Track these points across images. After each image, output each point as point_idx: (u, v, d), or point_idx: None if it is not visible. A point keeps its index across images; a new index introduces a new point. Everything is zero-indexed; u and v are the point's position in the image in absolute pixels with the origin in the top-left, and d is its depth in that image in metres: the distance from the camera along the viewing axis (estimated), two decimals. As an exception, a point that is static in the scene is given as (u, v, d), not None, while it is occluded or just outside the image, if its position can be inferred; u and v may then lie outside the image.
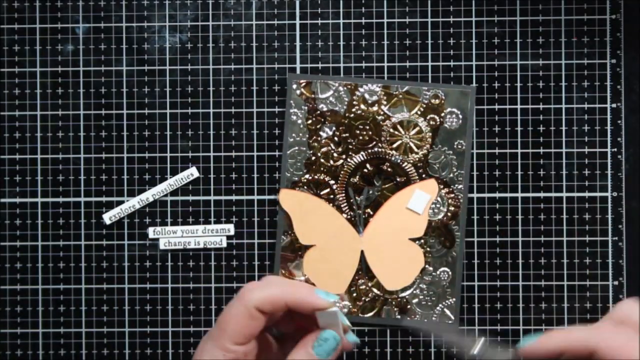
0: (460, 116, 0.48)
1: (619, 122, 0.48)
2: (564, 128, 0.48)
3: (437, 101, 0.48)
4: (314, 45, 0.48)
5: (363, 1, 0.48)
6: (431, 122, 0.48)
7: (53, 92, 0.49)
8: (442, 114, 0.48)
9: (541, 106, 0.48)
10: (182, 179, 0.48)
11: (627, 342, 0.33)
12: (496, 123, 0.48)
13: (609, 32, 0.48)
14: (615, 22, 0.48)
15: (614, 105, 0.48)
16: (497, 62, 0.48)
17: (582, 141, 0.48)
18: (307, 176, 0.48)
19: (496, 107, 0.48)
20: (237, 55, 0.49)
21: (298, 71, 0.48)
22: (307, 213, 0.48)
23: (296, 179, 0.48)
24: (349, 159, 0.48)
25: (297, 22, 0.48)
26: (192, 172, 0.48)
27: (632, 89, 0.48)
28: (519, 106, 0.48)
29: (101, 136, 0.49)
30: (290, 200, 0.48)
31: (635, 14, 0.48)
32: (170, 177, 0.48)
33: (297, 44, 0.48)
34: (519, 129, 0.48)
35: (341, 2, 0.48)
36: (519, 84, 0.48)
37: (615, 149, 0.48)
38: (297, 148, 0.48)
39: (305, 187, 0.48)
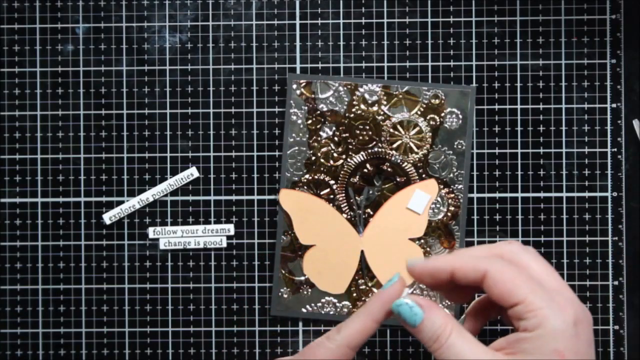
0: (460, 116, 0.48)
1: (619, 122, 0.48)
2: (564, 128, 0.48)
3: (437, 101, 0.48)
4: (314, 45, 0.48)
5: (363, 1, 0.48)
6: (431, 122, 0.48)
7: (53, 92, 0.49)
8: (442, 114, 0.48)
9: (541, 106, 0.48)
10: (182, 179, 0.48)
11: (516, 276, 0.34)
12: (496, 123, 0.48)
13: (609, 32, 0.48)
14: (615, 22, 0.48)
15: (614, 105, 0.48)
16: (497, 62, 0.48)
17: (582, 141, 0.48)
18: (307, 176, 0.48)
19: (496, 107, 0.48)
20: (237, 55, 0.49)
21: (298, 71, 0.48)
22: (307, 213, 0.48)
23: (296, 179, 0.48)
24: (349, 159, 0.48)
25: (297, 22, 0.48)
26: (192, 172, 0.48)
27: (632, 89, 0.48)
28: (519, 106, 0.48)
29: (101, 136, 0.49)
30: (290, 200, 0.48)
31: (635, 14, 0.48)
32: (170, 177, 0.48)
33: (297, 44, 0.48)
34: (519, 129, 0.48)
35: (341, 2, 0.48)
36: (519, 84, 0.48)
37: (615, 149, 0.48)
38: (297, 148, 0.48)
39: (305, 187, 0.48)
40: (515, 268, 0.35)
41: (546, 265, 0.36)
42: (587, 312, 0.35)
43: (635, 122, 0.48)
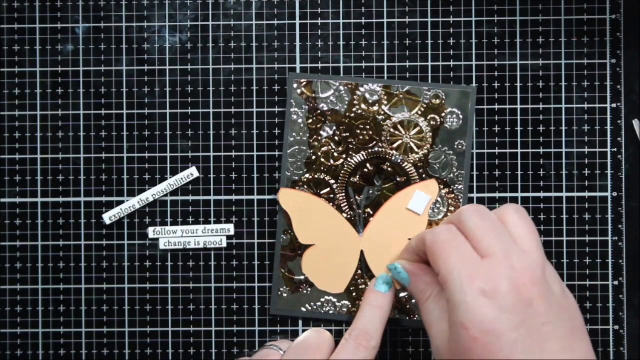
0: (461, 116, 0.48)
1: (619, 122, 0.48)
2: (564, 128, 0.48)
3: (438, 101, 0.48)
4: (314, 45, 0.48)
5: (363, 1, 0.48)
6: (432, 122, 0.48)
7: (53, 92, 0.49)
8: (443, 114, 0.48)
9: (541, 106, 0.48)
10: (182, 179, 0.48)
11: (441, 246, 0.36)
12: (496, 123, 0.48)
13: (609, 32, 0.48)
14: (615, 22, 0.48)
15: (614, 105, 0.48)
16: (497, 62, 0.48)
17: (582, 141, 0.48)
18: (307, 175, 0.48)
19: (496, 107, 0.48)
20: (237, 55, 0.49)
21: (298, 71, 0.48)
22: (307, 213, 0.48)
23: (296, 178, 0.48)
24: (349, 159, 0.48)
25: (297, 22, 0.48)
26: (192, 172, 0.48)
27: (632, 89, 0.48)
28: (519, 106, 0.48)
29: (101, 136, 0.49)
30: (290, 199, 0.48)
31: (635, 14, 0.48)
32: (170, 177, 0.48)
33: (297, 44, 0.48)
34: (519, 129, 0.48)
35: (341, 2, 0.48)
36: (519, 84, 0.48)
37: (615, 149, 0.48)
38: (297, 147, 0.48)
39: (306, 187, 0.48)
40: (447, 234, 0.36)
41: (487, 225, 0.36)
42: (523, 276, 0.33)
43: (635, 122, 0.48)
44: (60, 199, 0.49)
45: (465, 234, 0.36)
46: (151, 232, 0.48)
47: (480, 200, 0.48)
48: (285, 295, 0.48)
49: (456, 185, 0.48)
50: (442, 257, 0.35)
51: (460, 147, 0.48)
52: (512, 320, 0.32)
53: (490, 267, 0.34)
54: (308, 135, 0.48)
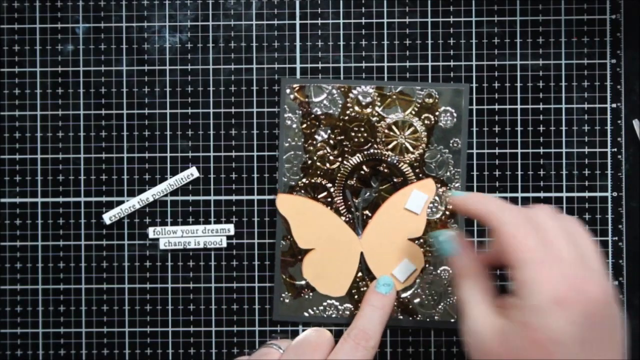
0: (455, 114, 0.47)
1: (619, 122, 0.48)
2: (564, 128, 0.48)
3: (431, 100, 0.48)
4: (314, 46, 0.48)
5: (363, 1, 0.48)
6: (426, 122, 0.48)
7: (53, 92, 0.49)
8: (437, 113, 0.48)
9: (541, 106, 0.48)
10: (182, 179, 0.48)
11: (521, 235, 0.34)
12: (496, 123, 0.48)
13: (609, 32, 0.48)
14: (615, 22, 0.48)
15: (614, 105, 0.48)
16: (497, 62, 0.48)
17: (582, 141, 0.48)
18: (304, 180, 0.48)
19: (496, 107, 0.48)
20: (237, 55, 0.49)
21: (298, 71, 0.48)
22: (305, 217, 0.48)
23: (293, 183, 0.48)
24: (345, 162, 0.48)
25: (297, 22, 0.48)
26: (192, 172, 0.48)
27: (632, 89, 0.48)
28: (518, 106, 0.48)
29: (101, 136, 0.49)
30: (288, 205, 0.48)
31: (635, 14, 0.48)
32: (170, 177, 0.48)
33: (297, 44, 0.48)
34: (518, 128, 0.48)
35: (341, 2, 0.48)
36: (518, 84, 0.48)
37: (615, 149, 0.48)
38: (292, 152, 0.48)
39: (303, 191, 0.48)
40: (527, 228, 0.35)
41: (567, 232, 0.35)
42: (587, 295, 0.32)
43: (635, 122, 0.48)
44: (60, 199, 0.49)
45: (538, 231, 0.35)
46: (151, 232, 0.48)
47: (480, 200, 0.48)
48: (287, 301, 0.48)
49: (453, 184, 0.48)
50: (519, 249, 0.34)
51: (455, 145, 0.48)
52: (579, 336, 0.32)
53: (565, 274, 0.33)
54: (303, 139, 0.48)
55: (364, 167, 0.48)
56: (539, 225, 0.35)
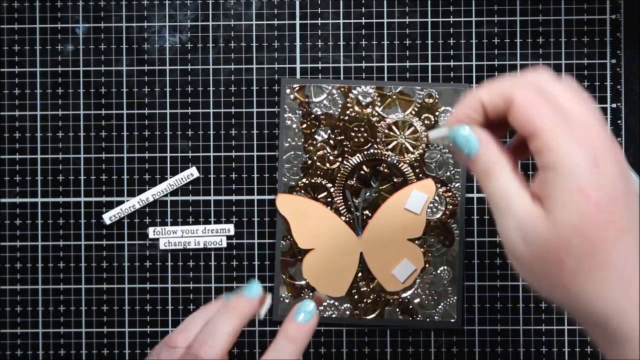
0: (459, 116, 0.47)
1: (619, 122, 0.48)
2: (564, 128, 0.48)
3: (431, 100, 0.48)
4: (314, 46, 0.48)
5: (363, 1, 0.48)
6: (426, 122, 0.48)
7: (53, 92, 0.49)
8: (437, 113, 0.48)
9: (541, 106, 0.48)
10: (182, 179, 0.48)
11: (539, 104, 0.32)
12: (496, 123, 0.48)
13: (609, 32, 0.48)
14: (615, 22, 0.48)
15: (614, 105, 0.48)
16: (497, 62, 0.48)
17: (582, 141, 0.48)
18: (304, 180, 0.48)
19: (496, 107, 0.48)
20: (237, 55, 0.49)
21: (298, 71, 0.48)
22: (305, 217, 0.48)
23: (293, 183, 0.48)
24: (345, 162, 0.48)
25: (297, 22, 0.48)
26: (192, 172, 0.48)
27: (632, 89, 0.48)
28: (519, 106, 0.48)
29: (101, 136, 0.49)
30: (288, 205, 0.48)
31: (635, 14, 0.48)
32: (170, 177, 0.48)
33: (297, 44, 0.48)
34: (519, 129, 0.48)
35: (341, 2, 0.48)
36: (519, 84, 0.48)
37: (615, 149, 0.48)
38: (293, 152, 0.48)
39: (303, 191, 0.48)
40: (541, 97, 0.32)
41: (576, 94, 0.33)
42: (614, 147, 0.31)
43: None
44: (60, 199, 0.49)
45: (550, 98, 0.32)
46: (151, 232, 0.48)
47: (480, 200, 0.48)
48: (287, 300, 0.48)
49: (453, 184, 0.48)
50: (548, 115, 0.31)
51: (459, 146, 0.47)
52: (626, 189, 0.30)
53: (589, 135, 0.31)
54: (303, 140, 0.48)
55: (364, 167, 0.48)
56: (547, 91, 0.33)
